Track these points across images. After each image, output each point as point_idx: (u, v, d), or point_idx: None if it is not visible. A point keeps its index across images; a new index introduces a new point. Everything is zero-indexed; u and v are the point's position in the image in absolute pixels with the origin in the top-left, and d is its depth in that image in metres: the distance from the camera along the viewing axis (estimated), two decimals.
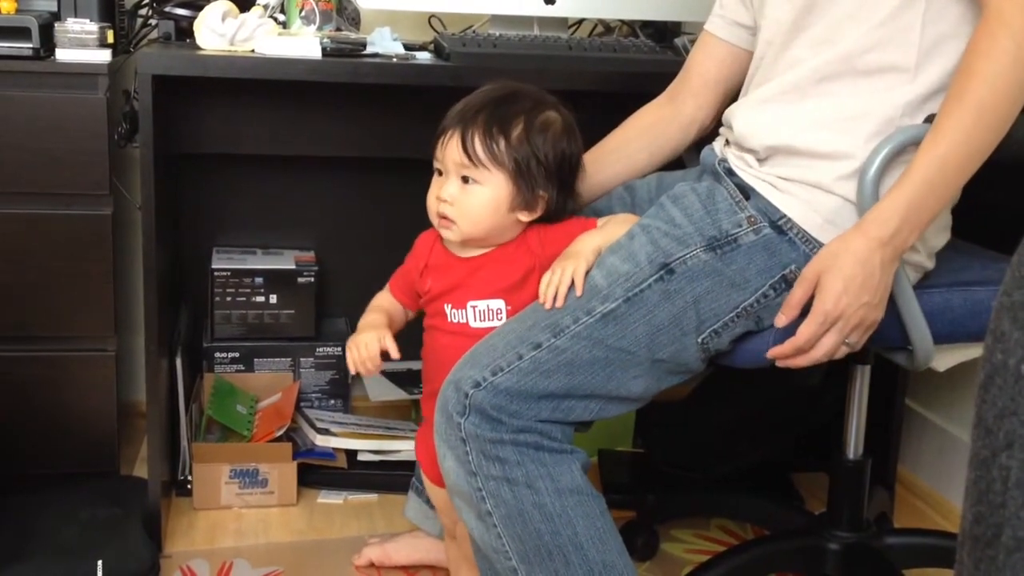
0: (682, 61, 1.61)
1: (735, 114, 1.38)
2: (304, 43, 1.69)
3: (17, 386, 1.85)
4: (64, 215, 1.80)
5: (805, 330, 1.22)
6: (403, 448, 2.01)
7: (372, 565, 1.76)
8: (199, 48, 1.70)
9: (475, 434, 1.26)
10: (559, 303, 1.30)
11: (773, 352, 1.25)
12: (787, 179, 1.30)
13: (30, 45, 1.74)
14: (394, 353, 1.41)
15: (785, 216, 1.29)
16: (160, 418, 1.78)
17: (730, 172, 1.35)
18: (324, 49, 1.69)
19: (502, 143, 1.35)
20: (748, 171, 1.34)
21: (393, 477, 1.99)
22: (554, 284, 1.31)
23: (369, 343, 1.41)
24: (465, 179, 1.37)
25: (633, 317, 1.28)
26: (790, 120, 1.31)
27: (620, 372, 1.29)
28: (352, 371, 1.43)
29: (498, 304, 1.40)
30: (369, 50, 1.74)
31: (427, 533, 1.76)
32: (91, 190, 1.80)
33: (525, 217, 1.39)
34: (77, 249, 1.81)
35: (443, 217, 1.38)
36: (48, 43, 1.77)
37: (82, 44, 1.76)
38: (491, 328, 1.36)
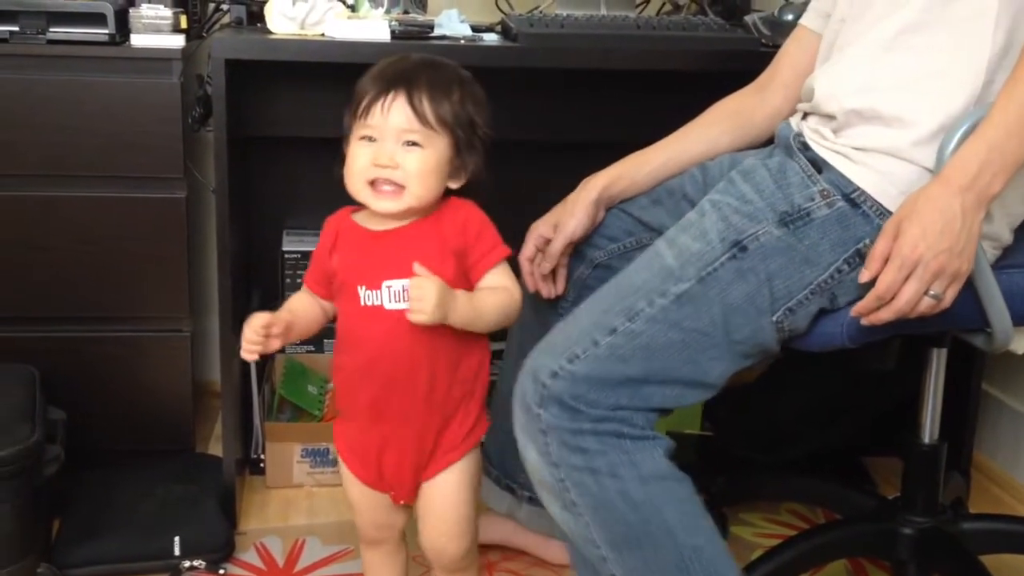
0: (752, 39, 1.59)
1: (816, 78, 1.36)
2: (373, 26, 1.70)
3: (96, 366, 1.89)
4: (139, 198, 1.84)
5: (884, 277, 1.18)
6: None
7: None
8: (270, 32, 1.72)
9: (555, 425, 1.24)
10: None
11: (857, 308, 1.22)
12: (862, 149, 1.28)
13: (106, 31, 1.77)
14: (276, 328, 1.32)
15: (859, 189, 1.27)
16: (234, 398, 1.81)
17: (804, 147, 1.33)
18: (393, 32, 1.70)
19: (446, 105, 1.29)
20: (823, 143, 1.32)
21: None
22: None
23: (252, 322, 1.31)
24: (407, 143, 1.29)
25: (707, 297, 1.26)
26: (872, 79, 1.29)
27: (697, 354, 1.27)
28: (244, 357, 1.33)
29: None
30: (437, 32, 1.75)
31: (496, 512, 1.77)
32: (166, 173, 1.83)
33: (454, 185, 1.34)
34: (153, 232, 1.85)
35: (387, 183, 1.29)
36: (123, 29, 1.80)
37: (156, 29, 1.79)
38: (405, 309, 1.28)
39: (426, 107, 1.28)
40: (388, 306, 1.31)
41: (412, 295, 1.26)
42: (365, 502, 1.43)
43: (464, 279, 1.34)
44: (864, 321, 1.22)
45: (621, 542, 1.25)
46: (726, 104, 1.55)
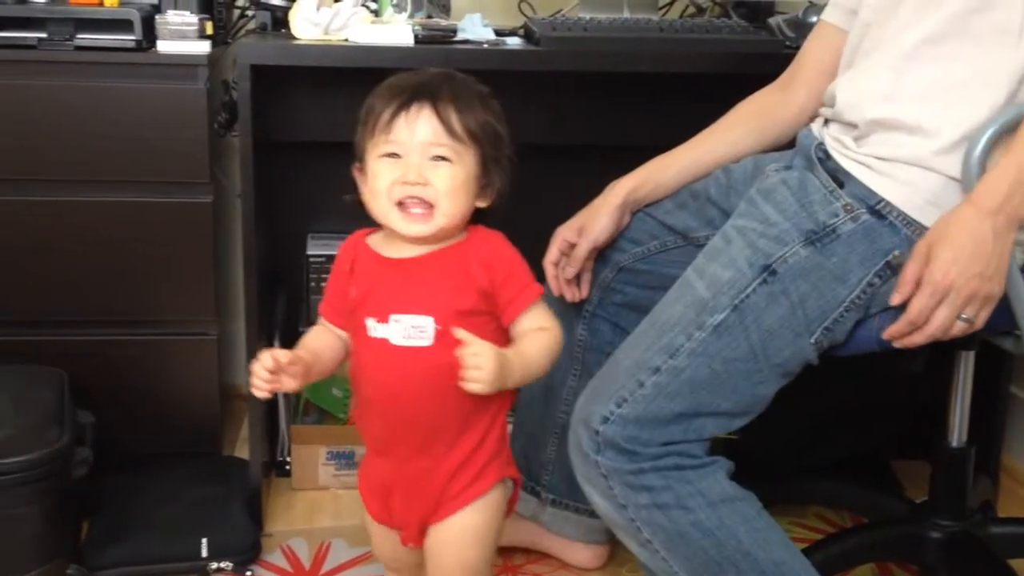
0: (776, 41, 1.58)
1: (839, 85, 1.35)
2: (396, 31, 1.71)
3: (124, 369, 1.91)
4: (167, 203, 1.85)
5: (916, 303, 1.19)
6: None
7: None
8: (294, 38, 1.73)
9: (614, 468, 1.25)
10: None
11: (889, 332, 1.22)
12: (885, 159, 1.27)
13: (132, 37, 1.78)
14: (295, 368, 1.21)
15: (883, 200, 1.26)
16: (260, 401, 1.82)
17: (826, 157, 1.33)
18: (416, 36, 1.71)
19: (472, 117, 1.20)
20: (844, 153, 1.31)
21: None
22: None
23: (262, 358, 1.19)
24: (434, 158, 1.19)
25: (743, 325, 1.26)
26: (894, 89, 1.28)
27: (741, 382, 1.27)
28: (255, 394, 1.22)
29: (424, 321, 1.20)
30: (460, 36, 1.75)
31: (521, 515, 1.77)
32: (192, 178, 1.85)
33: (481, 203, 1.24)
34: (179, 236, 1.86)
35: (416, 204, 1.19)
36: (150, 35, 1.82)
37: (182, 36, 1.81)
38: (415, 348, 1.20)
39: (454, 119, 1.19)
40: (395, 341, 1.21)
41: (469, 363, 1.15)
42: (378, 534, 1.36)
43: (487, 317, 1.24)
44: (897, 344, 1.23)
45: (702, 570, 1.26)
46: (749, 104, 1.54)
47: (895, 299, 1.21)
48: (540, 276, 1.61)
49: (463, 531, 1.29)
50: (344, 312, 1.28)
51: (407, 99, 1.19)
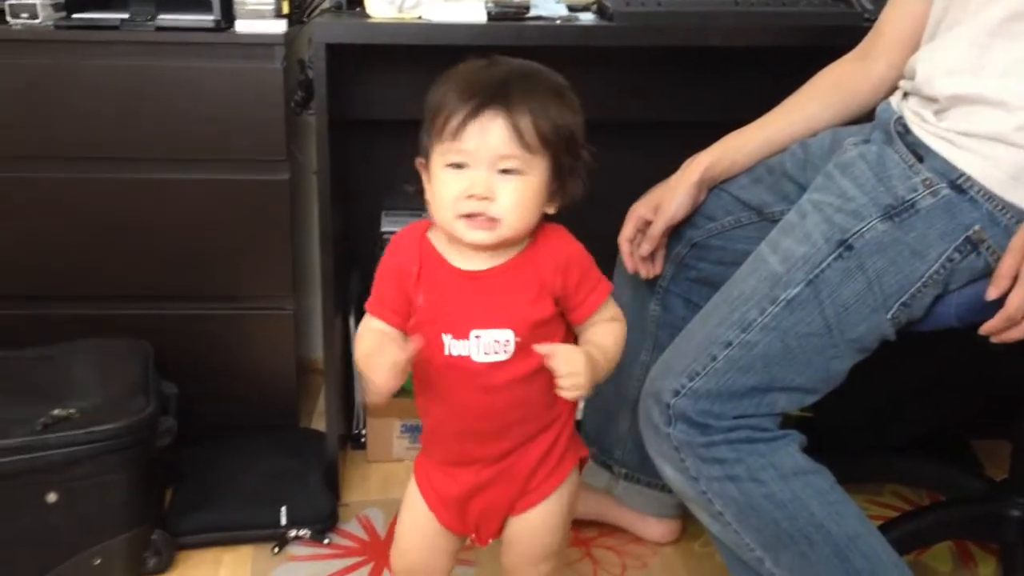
0: (855, 14, 1.56)
1: (920, 58, 1.33)
2: (469, 8, 1.72)
3: (205, 342, 1.96)
4: (245, 181, 1.88)
5: (1014, 298, 1.17)
6: None
7: None
8: (369, 16, 1.75)
9: (686, 441, 1.26)
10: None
11: (986, 328, 1.21)
12: (966, 134, 1.25)
13: (211, 17, 1.81)
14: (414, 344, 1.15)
15: (964, 174, 1.24)
16: (336, 375, 1.86)
17: (905, 131, 1.31)
18: (489, 13, 1.71)
19: (547, 123, 1.12)
20: (924, 127, 1.29)
21: None
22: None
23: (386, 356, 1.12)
24: (504, 170, 1.13)
25: (818, 300, 1.25)
26: (977, 64, 1.26)
27: (815, 357, 1.26)
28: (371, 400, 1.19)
29: (506, 335, 1.17)
30: (532, 13, 1.75)
31: (592, 488, 1.78)
32: (269, 156, 1.87)
33: (552, 208, 1.19)
34: (257, 213, 1.90)
35: (479, 217, 1.14)
36: (228, 15, 1.84)
37: (259, 15, 1.83)
38: (496, 363, 1.17)
39: (528, 126, 1.11)
40: (476, 358, 1.17)
41: (563, 371, 1.13)
42: (426, 543, 1.31)
43: (560, 320, 1.22)
44: (994, 339, 1.21)
45: (775, 542, 1.26)
46: (827, 76, 1.52)
47: (991, 293, 1.20)
48: (609, 258, 1.61)
49: (546, 518, 1.29)
50: (404, 314, 1.20)
51: (478, 104, 1.11)
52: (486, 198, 1.12)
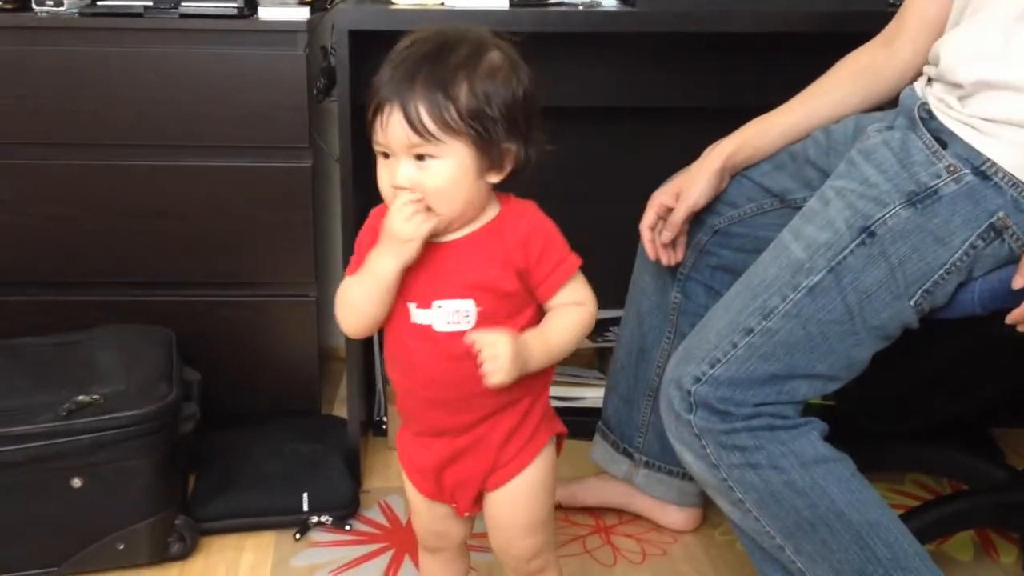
0: None
1: (944, 44, 1.32)
2: None
3: (227, 329, 1.97)
4: (267, 167, 1.89)
5: None
6: (587, 395, 2.04)
7: (559, 506, 1.78)
8: (391, 3, 1.75)
9: (707, 428, 1.26)
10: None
11: (1012, 317, 1.20)
12: (991, 120, 1.24)
13: (235, 4, 1.82)
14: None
15: (989, 160, 1.23)
16: (357, 362, 1.86)
17: (929, 117, 1.30)
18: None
19: (451, 109, 1.11)
20: (949, 113, 1.28)
21: (578, 423, 2.00)
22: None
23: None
24: (419, 156, 1.14)
25: (840, 287, 1.24)
26: (1003, 49, 1.24)
27: (837, 344, 1.26)
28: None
29: (467, 305, 1.18)
30: None
31: (612, 476, 1.78)
32: (292, 143, 1.88)
33: (495, 178, 1.18)
34: (280, 200, 1.90)
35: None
36: (251, 2, 1.85)
37: (283, 2, 1.84)
38: (458, 332, 1.18)
39: (425, 119, 1.11)
40: (439, 327, 1.19)
41: (485, 356, 1.15)
42: (425, 511, 1.34)
43: (529, 296, 1.22)
44: (1021, 329, 1.20)
45: (795, 530, 1.26)
46: (851, 62, 1.50)
47: (1018, 282, 1.19)
48: (630, 245, 1.61)
49: (524, 490, 1.28)
50: None
51: (380, 100, 1.13)
52: (405, 188, 1.14)
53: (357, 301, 1.21)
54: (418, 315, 1.20)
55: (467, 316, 1.19)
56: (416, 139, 1.12)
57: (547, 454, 1.30)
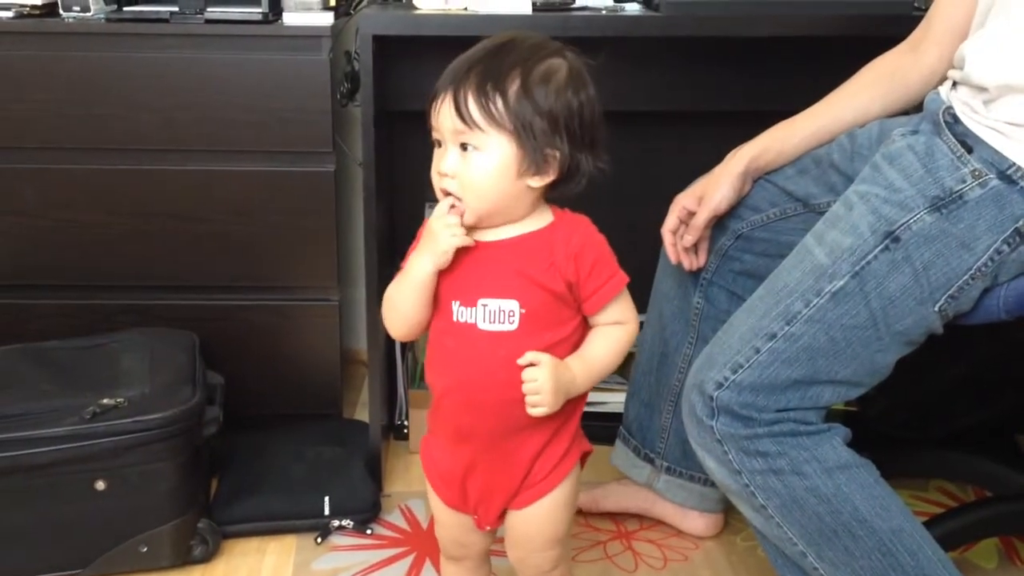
0: (905, 2, 1.54)
1: (969, 47, 1.31)
2: None
3: (250, 333, 1.97)
4: (291, 172, 1.90)
5: None
6: (609, 400, 2.03)
7: (580, 511, 1.79)
8: (415, 8, 1.76)
9: (729, 434, 1.25)
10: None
11: None
12: (1017, 124, 1.23)
13: (260, 10, 1.83)
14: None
15: (1015, 164, 1.22)
16: (379, 366, 1.86)
17: (954, 121, 1.29)
18: (534, 4, 1.71)
19: (499, 101, 1.14)
20: (974, 117, 1.27)
21: (600, 428, 2.00)
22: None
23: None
24: (464, 146, 1.16)
25: (864, 292, 1.24)
26: None
27: (861, 350, 1.25)
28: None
29: (511, 305, 1.19)
30: (578, 3, 1.75)
31: (634, 481, 1.78)
32: (316, 148, 1.89)
33: (536, 183, 1.18)
34: (303, 204, 1.91)
35: (447, 194, 1.18)
36: (276, 7, 1.86)
37: (307, 7, 1.85)
38: (500, 332, 1.19)
39: (471, 107, 1.14)
40: (482, 326, 1.20)
41: (527, 388, 1.17)
42: (447, 521, 1.34)
43: (573, 306, 1.22)
44: None
45: (817, 537, 1.25)
46: (877, 67, 1.49)
47: None
48: (653, 249, 1.61)
49: (549, 510, 1.29)
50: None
51: (438, 86, 1.17)
52: (446, 175, 1.17)
53: (397, 301, 1.24)
54: (462, 313, 1.21)
55: (511, 316, 1.19)
56: (461, 125, 1.15)
57: (574, 474, 1.30)
